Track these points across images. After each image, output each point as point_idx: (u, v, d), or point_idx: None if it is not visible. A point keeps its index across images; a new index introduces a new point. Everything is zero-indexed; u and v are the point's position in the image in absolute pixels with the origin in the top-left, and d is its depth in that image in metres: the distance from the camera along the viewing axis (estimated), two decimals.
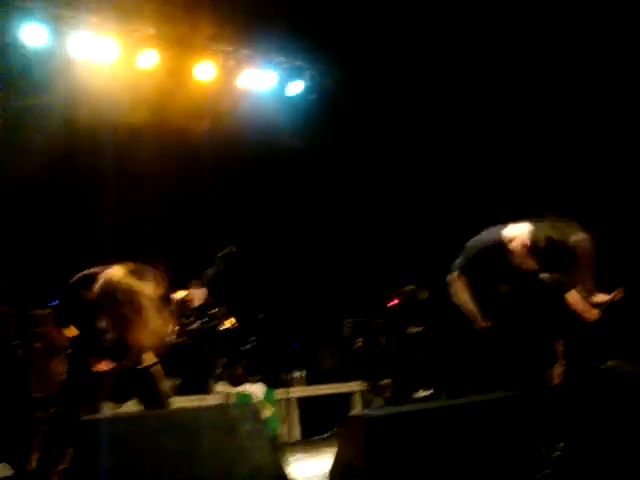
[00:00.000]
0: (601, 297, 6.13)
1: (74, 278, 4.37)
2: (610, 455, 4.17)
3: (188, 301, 4.51)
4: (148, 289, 4.27)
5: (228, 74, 8.27)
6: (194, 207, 8.23)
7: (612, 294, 6.12)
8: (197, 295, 4.52)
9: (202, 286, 4.54)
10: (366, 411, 5.19)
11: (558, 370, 5.63)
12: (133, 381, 4.41)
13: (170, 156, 7.69)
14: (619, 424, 4.44)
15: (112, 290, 4.13)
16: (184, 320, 7.10)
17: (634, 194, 7.71)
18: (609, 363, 5.56)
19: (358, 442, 3.60)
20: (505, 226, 5.26)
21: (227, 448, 3.41)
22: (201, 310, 7.03)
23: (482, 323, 5.17)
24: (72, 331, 4.39)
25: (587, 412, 4.44)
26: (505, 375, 5.54)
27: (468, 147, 8.80)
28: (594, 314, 5.82)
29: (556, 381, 5.54)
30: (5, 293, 6.31)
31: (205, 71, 8.03)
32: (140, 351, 4.41)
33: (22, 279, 6.55)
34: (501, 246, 5.18)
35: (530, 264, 5.12)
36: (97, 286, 4.18)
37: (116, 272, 4.24)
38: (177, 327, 7.06)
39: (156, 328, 4.27)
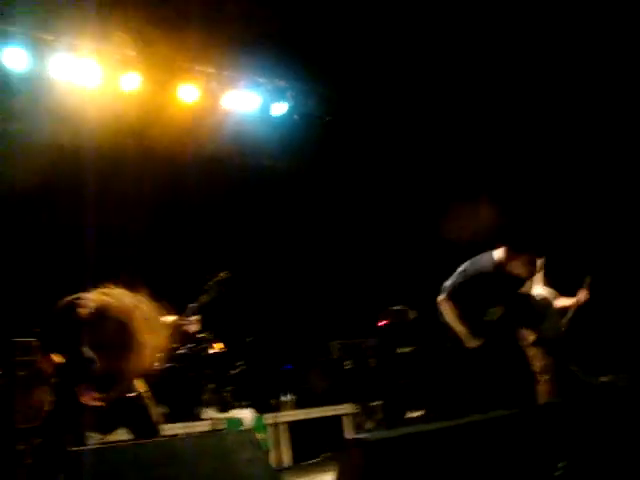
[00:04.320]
0: (563, 301, 6.18)
1: (60, 304, 4.24)
2: (613, 471, 4.11)
3: (184, 327, 4.37)
4: (144, 309, 4.15)
5: (211, 96, 8.24)
6: (179, 230, 8.13)
7: (575, 299, 6.18)
8: (193, 321, 4.38)
9: (196, 313, 4.40)
10: (364, 434, 5.07)
11: (543, 387, 5.61)
12: (122, 410, 4.26)
13: (154, 178, 7.61)
14: (620, 439, 4.38)
15: (104, 317, 4.00)
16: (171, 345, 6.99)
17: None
18: (604, 378, 5.53)
19: (356, 466, 3.50)
20: (492, 252, 5.27)
21: (225, 476, 3.29)
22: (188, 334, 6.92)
23: (472, 343, 5.15)
24: (58, 358, 4.26)
25: (587, 428, 4.37)
26: (496, 394, 5.50)
27: (456, 169, 8.80)
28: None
29: (544, 398, 5.51)
30: None
31: (188, 93, 7.99)
32: (130, 380, 4.28)
33: (4, 306, 6.40)
34: (494, 271, 5.17)
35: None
36: (88, 312, 4.04)
37: (110, 298, 4.11)
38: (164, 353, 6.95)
39: (150, 352, 4.15)
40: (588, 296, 6.17)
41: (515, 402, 5.23)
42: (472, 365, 5.26)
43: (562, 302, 6.17)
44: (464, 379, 5.54)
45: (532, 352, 5.64)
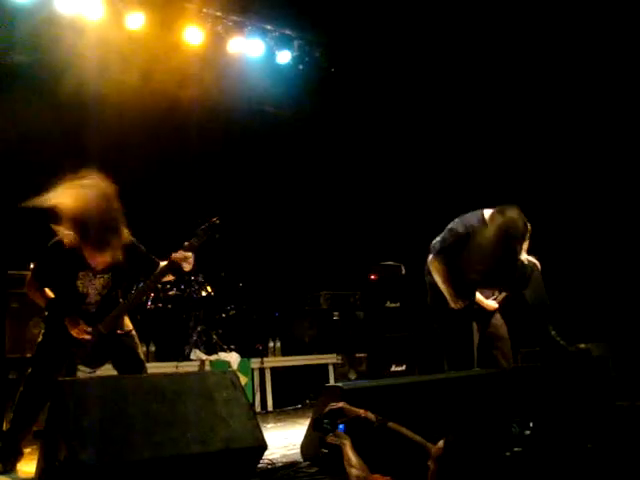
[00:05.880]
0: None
1: (53, 240, 4.34)
2: (580, 435, 4.25)
3: (180, 264, 4.41)
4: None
5: (217, 40, 8.17)
6: (178, 173, 8.15)
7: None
8: (189, 258, 4.43)
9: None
10: (342, 382, 5.23)
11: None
12: (111, 346, 4.38)
13: (157, 120, 7.58)
14: (590, 405, 4.52)
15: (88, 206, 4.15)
16: (161, 286, 7.10)
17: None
18: (582, 345, 5.64)
19: None
20: (483, 211, 5.30)
21: (204, 414, 3.43)
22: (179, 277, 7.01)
23: (455, 304, 5.25)
24: (51, 293, 4.37)
25: (560, 392, 4.51)
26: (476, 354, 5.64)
27: (455, 125, 8.78)
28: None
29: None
30: None
31: (194, 35, 7.93)
32: (119, 315, 4.38)
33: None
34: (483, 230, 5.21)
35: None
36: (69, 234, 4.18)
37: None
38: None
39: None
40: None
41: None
42: (453, 324, 5.37)
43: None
44: (445, 337, 5.65)
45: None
